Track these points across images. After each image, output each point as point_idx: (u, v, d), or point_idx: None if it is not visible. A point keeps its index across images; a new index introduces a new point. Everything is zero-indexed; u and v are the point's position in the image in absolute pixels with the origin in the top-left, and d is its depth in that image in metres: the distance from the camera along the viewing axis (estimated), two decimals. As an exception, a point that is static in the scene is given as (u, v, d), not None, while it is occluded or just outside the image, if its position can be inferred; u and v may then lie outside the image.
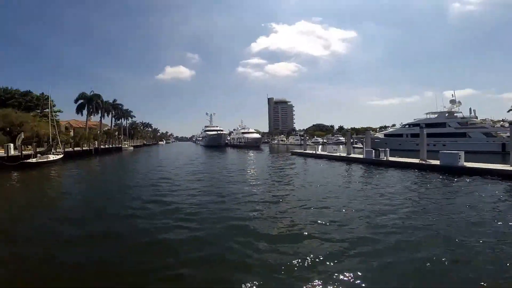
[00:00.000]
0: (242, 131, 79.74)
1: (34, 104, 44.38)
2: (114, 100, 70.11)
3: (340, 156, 27.10)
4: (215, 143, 76.19)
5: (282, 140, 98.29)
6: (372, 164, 21.40)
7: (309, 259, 5.23)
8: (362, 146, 36.08)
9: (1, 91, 41.73)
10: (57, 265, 5.34)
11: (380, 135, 48.86)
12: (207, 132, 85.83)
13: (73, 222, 8.05)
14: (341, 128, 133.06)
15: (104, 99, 60.64)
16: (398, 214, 8.28)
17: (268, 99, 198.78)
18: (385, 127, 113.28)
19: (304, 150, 35.38)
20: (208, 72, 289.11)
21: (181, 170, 21.41)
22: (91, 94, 54.65)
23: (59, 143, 29.07)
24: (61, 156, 26.92)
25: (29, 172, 19.80)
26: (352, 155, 26.14)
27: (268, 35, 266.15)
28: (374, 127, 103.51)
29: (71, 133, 44.84)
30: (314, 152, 31.93)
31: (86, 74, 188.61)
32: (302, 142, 73.32)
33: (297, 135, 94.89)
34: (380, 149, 22.73)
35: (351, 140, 31.72)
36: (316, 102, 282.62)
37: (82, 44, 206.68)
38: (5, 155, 21.85)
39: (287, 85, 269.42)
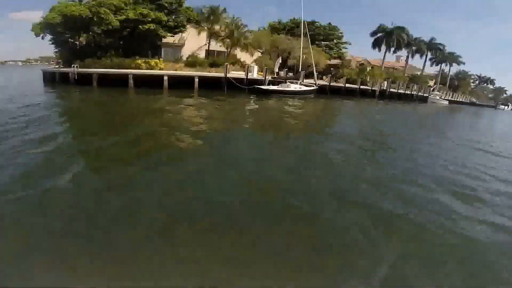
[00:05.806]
0: None
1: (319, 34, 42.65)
2: (431, 39, 52.01)
3: None
4: None
5: None
6: None
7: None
8: None
9: (290, 21, 41.62)
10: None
11: None
12: None
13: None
14: None
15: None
16: None
17: None
18: None
19: None
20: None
21: None
22: (392, 26, 44.62)
23: (315, 74, 25.41)
24: (313, 88, 23.47)
25: (256, 100, 17.84)
26: None
27: None
28: None
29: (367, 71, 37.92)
30: None
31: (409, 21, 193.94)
32: None
33: None
34: None
35: None
36: None
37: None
38: (245, 77, 20.40)
39: None
